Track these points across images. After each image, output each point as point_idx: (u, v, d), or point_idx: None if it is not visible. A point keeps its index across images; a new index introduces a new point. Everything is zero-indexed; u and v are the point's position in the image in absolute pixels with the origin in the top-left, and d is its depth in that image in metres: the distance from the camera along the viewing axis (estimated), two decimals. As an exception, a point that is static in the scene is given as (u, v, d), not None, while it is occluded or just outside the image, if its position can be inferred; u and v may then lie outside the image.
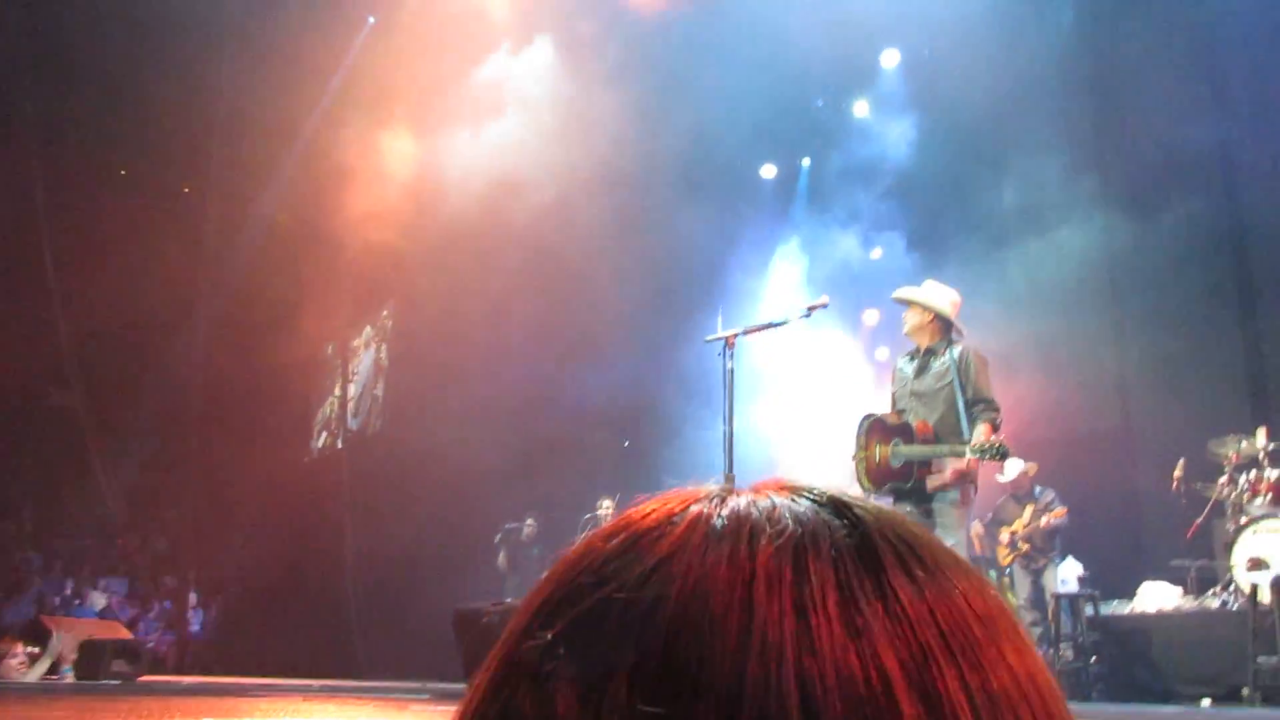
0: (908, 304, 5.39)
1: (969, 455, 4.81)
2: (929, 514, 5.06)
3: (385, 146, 10.63)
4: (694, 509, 0.41)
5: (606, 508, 10.05)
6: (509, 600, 4.10)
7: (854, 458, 5.38)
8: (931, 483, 5.03)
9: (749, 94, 10.49)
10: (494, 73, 10.81)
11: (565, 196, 10.39)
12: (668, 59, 10.03)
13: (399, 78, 10.43)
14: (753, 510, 0.41)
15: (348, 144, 10.42)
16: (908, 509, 5.04)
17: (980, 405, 5.03)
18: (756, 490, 0.43)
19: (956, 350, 5.18)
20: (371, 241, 10.47)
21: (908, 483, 5.06)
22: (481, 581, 9.73)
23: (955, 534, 5.00)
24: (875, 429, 5.31)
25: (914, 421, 5.14)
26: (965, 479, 5.03)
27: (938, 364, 5.21)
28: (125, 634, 5.98)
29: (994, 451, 4.70)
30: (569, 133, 9.99)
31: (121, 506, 11.12)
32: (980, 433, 4.92)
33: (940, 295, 5.38)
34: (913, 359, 5.39)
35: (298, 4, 10.50)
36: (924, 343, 5.28)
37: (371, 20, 11.14)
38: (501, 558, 9.71)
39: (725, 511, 0.41)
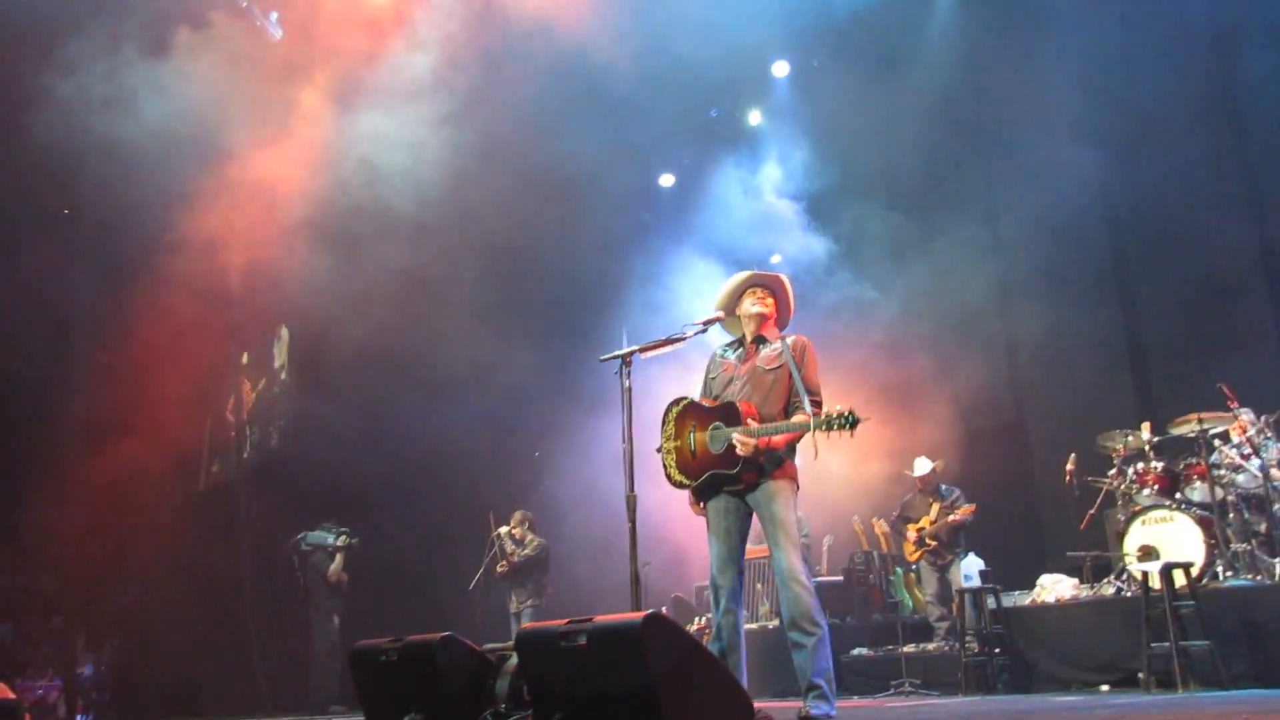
0: (770, 290, 4.92)
1: (813, 428, 4.32)
2: (758, 501, 4.58)
3: (272, 154, 10.29)
4: None
5: (507, 527, 9.88)
6: (408, 637, 3.95)
7: (662, 449, 4.79)
8: (744, 449, 4.43)
9: (645, 104, 10.52)
10: (384, 73, 10.52)
11: (461, 208, 10.22)
12: (561, 69, 9.95)
13: (285, 76, 10.12)
14: None
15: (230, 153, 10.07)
16: (730, 502, 4.63)
17: (810, 396, 4.57)
18: None
19: (791, 339, 4.78)
20: (259, 257, 10.16)
21: (733, 469, 4.48)
22: (382, 611, 9.52)
23: (789, 511, 4.53)
24: (690, 413, 4.75)
25: (738, 401, 4.61)
26: (791, 451, 4.63)
27: (768, 349, 4.78)
28: (4, 691, 5.61)
29: (843, 420, 4.25)
30: (457, 141, 9.81)
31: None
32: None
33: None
34: (734, 349, 4.93)
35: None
36: (763, 330, 4.83)
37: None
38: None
39: None
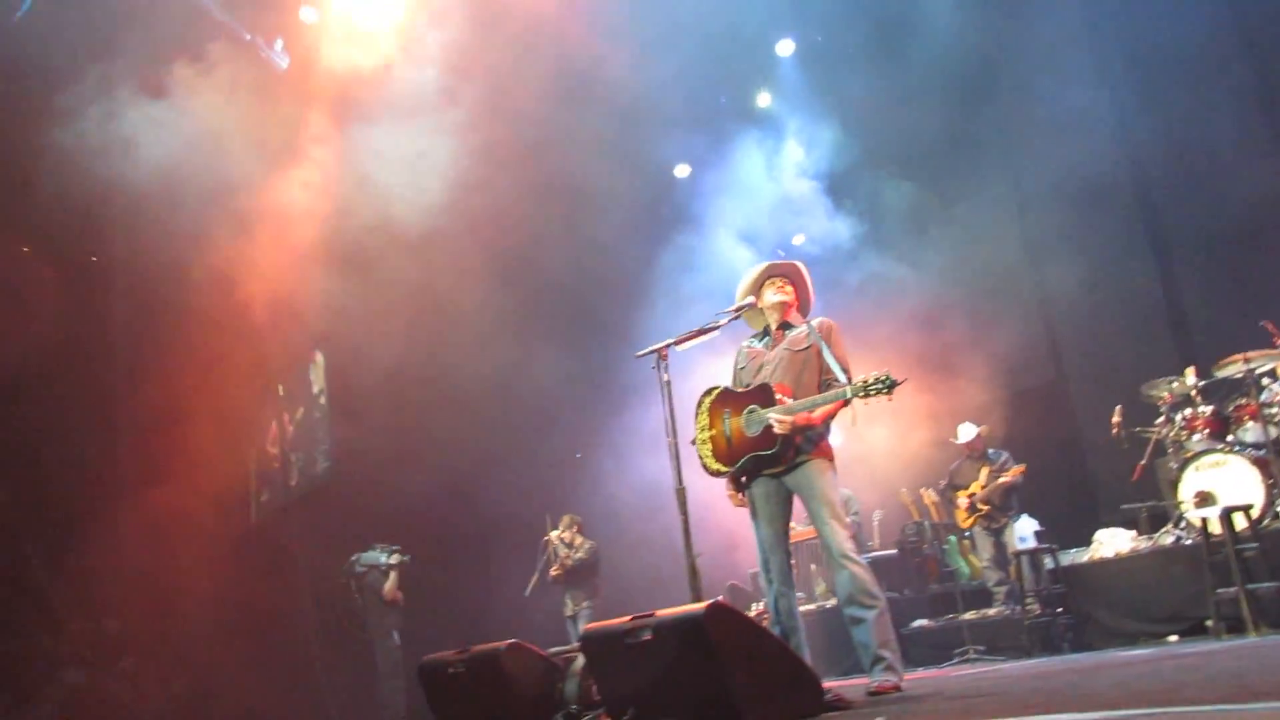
0: (789, 278, 4.94)
1: (850, 395, 4.25)
2: (798, 483, 4.57)
3: (286, 182, 10.31)
4: None
5: (557, 531, 9.93)
6: (472, 648, 3.98)
7: (698, 440, 4.76)
8: (782, 428, 4.39)
9: (654, 96, 10.48)
10: (389, 89, 10.51)
11: (475, 217, 10.23)
12: (565, 70, 9.95)
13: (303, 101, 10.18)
14: None
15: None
16: (770, 485, 4.62)
17: (843, 372, 4.51)
18: None
19: (816, 321, 4.73)
20: (284, 287, 10.22)
21: (772, 448, 4.44)
22: (443, 624, 9.60)
23: (832, 489, 4.52)
24: (723, 401, 4.74)
25: (771, 383, 4.59)
26: (827, 428, 4.60)
27: (795, 333, 4.78)
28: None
29: (880, 384, 4.17)
30: (466, 151, 9.81)
31: (62, 590, 10.73)
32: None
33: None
34: (760, 339, 4.94)
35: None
36: (786, 317, 4.85)
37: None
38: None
39: None
